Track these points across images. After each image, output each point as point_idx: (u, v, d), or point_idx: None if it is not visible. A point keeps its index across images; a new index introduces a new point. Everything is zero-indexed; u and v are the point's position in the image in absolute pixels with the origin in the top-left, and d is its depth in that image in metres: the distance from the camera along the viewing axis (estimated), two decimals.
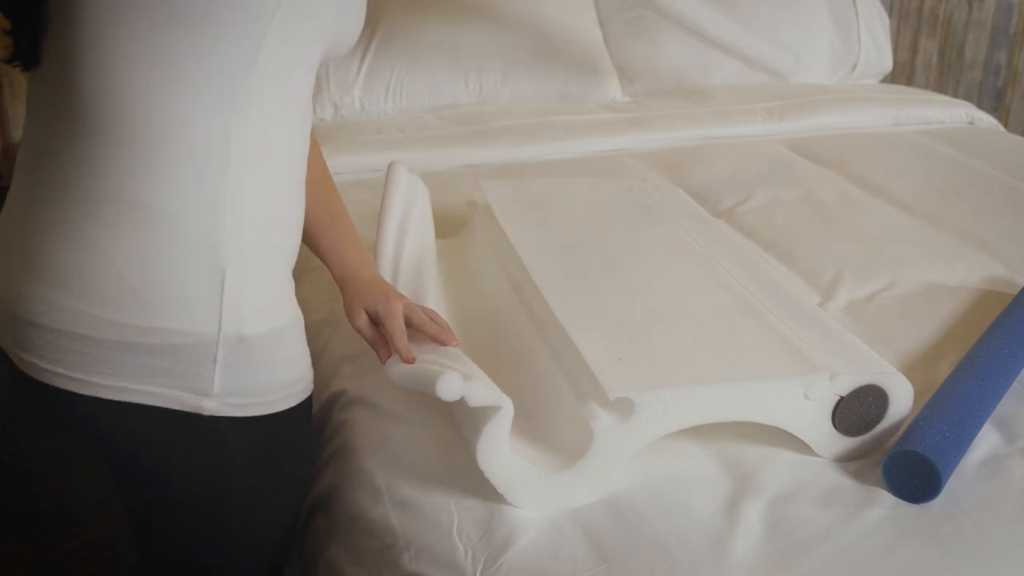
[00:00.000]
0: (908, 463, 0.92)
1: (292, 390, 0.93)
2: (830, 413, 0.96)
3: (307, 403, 0.98)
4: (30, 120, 0.87)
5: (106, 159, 0.81)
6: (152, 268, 0.82)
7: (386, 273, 1.15)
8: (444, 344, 1.01)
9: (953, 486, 0.95)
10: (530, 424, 0.97)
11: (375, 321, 1.05)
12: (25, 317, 0.84)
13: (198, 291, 0.83)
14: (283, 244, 0.92)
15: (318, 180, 1.06)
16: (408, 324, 1.02)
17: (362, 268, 1.09)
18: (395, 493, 0.95)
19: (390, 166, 1.29)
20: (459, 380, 0.86)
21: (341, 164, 1.84)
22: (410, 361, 0.98)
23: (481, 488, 0.93)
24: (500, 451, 0.88)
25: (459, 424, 0.95)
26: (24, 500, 1.98)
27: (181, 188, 0.82)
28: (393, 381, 0.97)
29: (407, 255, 1.20)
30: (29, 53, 0.84)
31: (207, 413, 0.87)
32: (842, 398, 0.96)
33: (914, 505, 0.92)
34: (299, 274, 1.44)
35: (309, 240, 1.09)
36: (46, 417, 0.90)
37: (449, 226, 1.47)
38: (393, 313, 1.02)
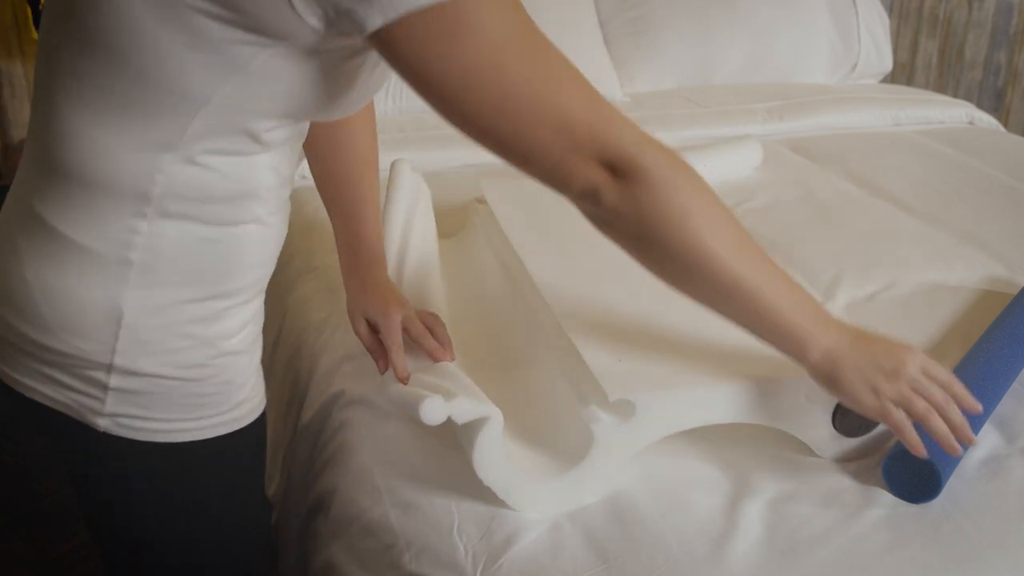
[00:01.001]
0: (908, 464, 0.92)
1: (210, 422, 0.89)
2: (830, 414, 0.96)
3: (240, 435, 0.92)
4: None
5: (36, 179, 0.82)
6: (53, 291, 0.81)
7: (391, 273, 1.15)
8: (437, 360, 1.00)
9: (953, 486, 0.95)
10: (530, 426, 0.97)
11: (375, 329, 1.05)
12: None
13: (93, 325, 0.81)
14: (209, 288, 0.85)
15: (361, 162, 1.06)
16: (406, 335, 1.02)
17: (369, 270, 1.08)
18: (395, 493, 0.95)
19: (394, 164, 1.29)
20: (440, 403, 0.85)
21: None
22: (404, 378, 0.97)
23: (481, 488, 0.93)
24: (496, 459, 0.88)
25: (457, 435, 0.95)
26: (24, 498, 1.98)
27: (93, 227, 0.79)
28: (389, 405, 0.97)
29: (412, 254, 1.20)
30: None
31: (100, 430, 0.85)
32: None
33: (914, 505, 0.92)
34: (298, 275, 1.45)
35: (333, 223, 1.10)
36: (24, 418, 0.90)
37: (449, 226, 1.47)
38: (392, 327, 1.01)
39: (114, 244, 0.80)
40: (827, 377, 0.87)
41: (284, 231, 0.92)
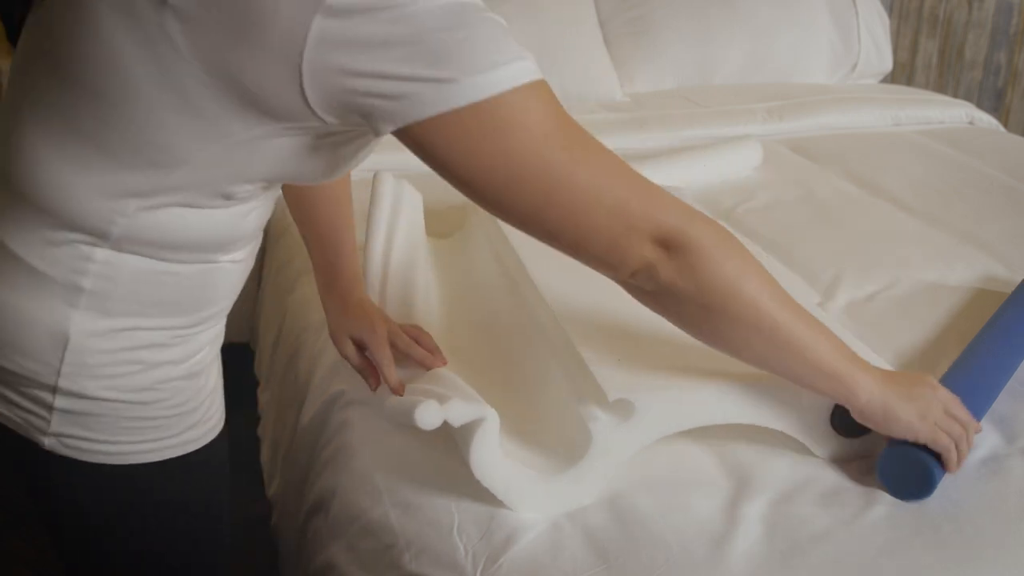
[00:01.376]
0: (903, 461, 0.92)
1: (157, 445, 0.87)
2: (828, 414, 0.96)
3: (191, 457, 0.91)
4: None
5: (2, 197, 0.80)
6: (2, 310, 0.80)
7: (373, 288, 1.15)
8: (429, 368, 1.00)
9: (953, 486, 0.95)
10: (529, 426, 0.97)
11: (361, 347, 1.04)
12: None
13: (39, 346, 0.80)
14: (162, 319, 0.83)
15: (332, 200, 1.06)
16: (393, 349, 1.02)
17: (350, 291, 1.07)
18: (395, 493, 0.95)
19: (375, 177, 1.29)
20: (434, 407, 0.85)
21: None
22: (399, 390, 0.97)
23: (481, 489, 0.93)
24: (493, 459, 0.88)
25: (454, 438, 0.95)
26: (25, 498, 1.97)
27: (46, 250, 0.77)
28: (386, 419, 0.97)
29: (394, 264, 1.20)
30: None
31: (45, 448, 0.84)
32: None
33: (914, 505, 0.92)
34: (298, 275, 1.45)
35: (308, 248, 1.09)
36: None
37: (448, 226, 1.47)
38: (379, 341, 1.01)
39: (65, 270, 0.78)
40: (883, 412, 0.89)
41: (251, 264, 0.90)
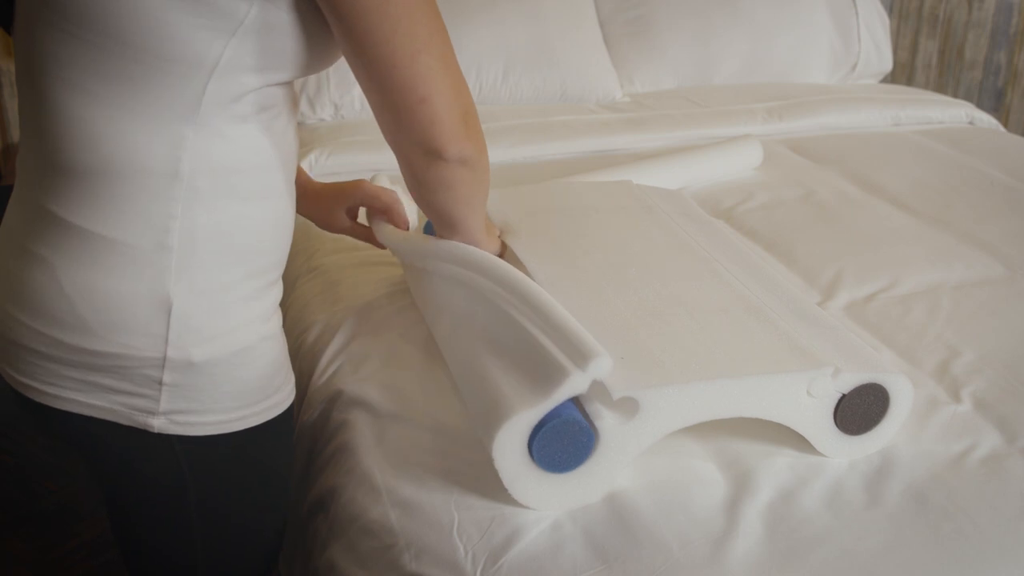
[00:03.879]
0: (553, 436, 0.88)
1: (254, 409, 0.90)
2: (832, 410, 0.96)
3: (279, 420, 0.95)
4: None
5: (47, 181, 0.81)
6: (96, 294, 0.80)
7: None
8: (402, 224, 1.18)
9: (953, 486, 0.95)
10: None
11: (352, 216, 1.20)
12: (1, 330, 0.86)
13: (143, 320, 0.81)
14: (246, 266, 0.86)
15: None
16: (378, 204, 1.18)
17: (307, 184, 1.18)
18: (395, 493, 0.95)
19: (374, 178, 1.30)
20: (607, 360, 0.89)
21: (341, 164, 1.84)
22: (405, 223, 1.18)
23: (482, 488, 0.93)
24: (518, 447, 0.88)
25: (471, 413, 0.94)
26: (24, 498, 1.98)
27: (126, 219, 0.79)
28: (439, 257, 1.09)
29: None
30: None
31: (154, 431, 0.86)
32: (844, 395, 0.96)
33: (914, 505, 0.92)
34: (298, 274, 1.45)
35: None
36: (35, 425, 0.91)
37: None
38: (370, 191, 1.18)
39: (151, 233, 0.80)
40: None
41: (295, 207, 0.95)
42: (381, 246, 1.22)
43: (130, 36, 0.74)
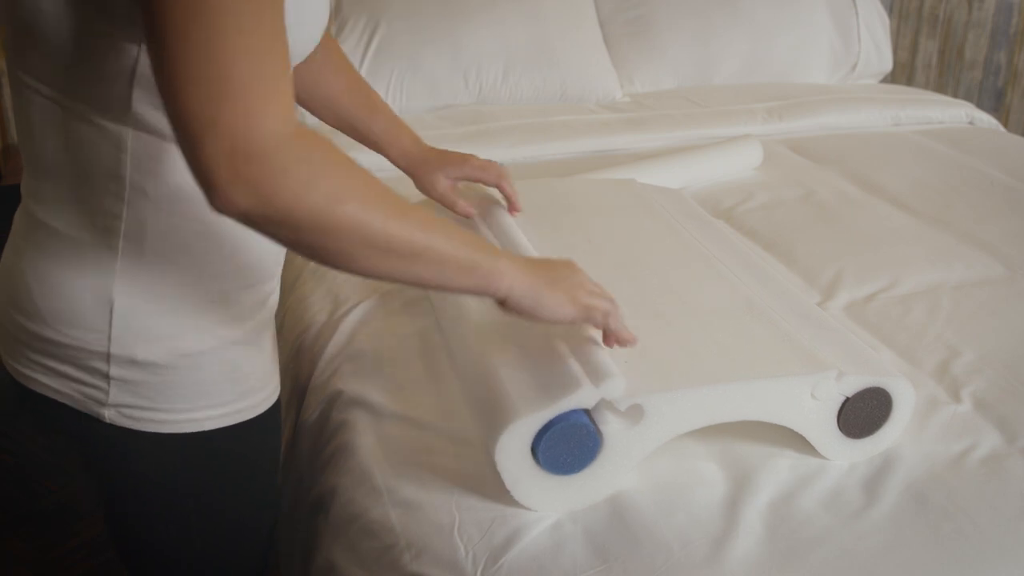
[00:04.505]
0: (560, 438, 0.88)
1: (219, 412, 0.89)
2: (835, 413, 0.96)
3: (256, 421, 0.93)
4: None
5: (27, 177, 0.85)
6: (47, 283, 0.82)
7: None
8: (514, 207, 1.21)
9: (953, 486, 0.95)
10: None
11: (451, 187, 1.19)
12: (2, 320, 0.89)
13: (87, 314, 0.82)
14: (201, 271, 0.84)
15: (346, 76, 1.11)
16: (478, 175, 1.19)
17: (418, 147, 1.17)
18: (395, 493, 0.95)
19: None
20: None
21: None
22: (517, 208, 1.22)
23: (482, 488, 0.93)
24: (521, 450, 0.88)
25: (474, 414, 0.94)
26: (24, 498, 1.98)
27: (77, 217, 0.81)
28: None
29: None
30: None
31: (105, 420, 0.86)
32: (848, 399, 0.96)
33: (914, 505, 0.92)
34: (298, 274, 1.45)
35: (357, 135, 1.15)
36: (25, 412, 0.92)
37: None
38: (485, 165, 1.18)
39: (97, 232, 0.81)
40: (531, 297, 0.84)
41: None
42: (464, 214, 1.23)
43: (54, 43, 0.75)
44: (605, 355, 0.91)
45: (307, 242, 0.71)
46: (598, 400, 0.88)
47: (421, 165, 1.18)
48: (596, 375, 0.88)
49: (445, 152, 1.18)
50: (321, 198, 0.68)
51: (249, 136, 0.65)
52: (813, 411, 0.96)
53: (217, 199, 0.66)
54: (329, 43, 1.10)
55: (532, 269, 0.85)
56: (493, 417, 0.89)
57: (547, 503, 0.90)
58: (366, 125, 1.15)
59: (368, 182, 0.73)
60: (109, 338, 0.83)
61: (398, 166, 1.18)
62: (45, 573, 1.79)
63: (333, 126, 1.16)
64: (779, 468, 0.97)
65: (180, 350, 0.85)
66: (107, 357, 0.83)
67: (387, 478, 0.98)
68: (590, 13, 2.39)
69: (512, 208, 1.23)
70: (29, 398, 0.88)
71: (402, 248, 0.74)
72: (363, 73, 2.12)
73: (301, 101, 1.11)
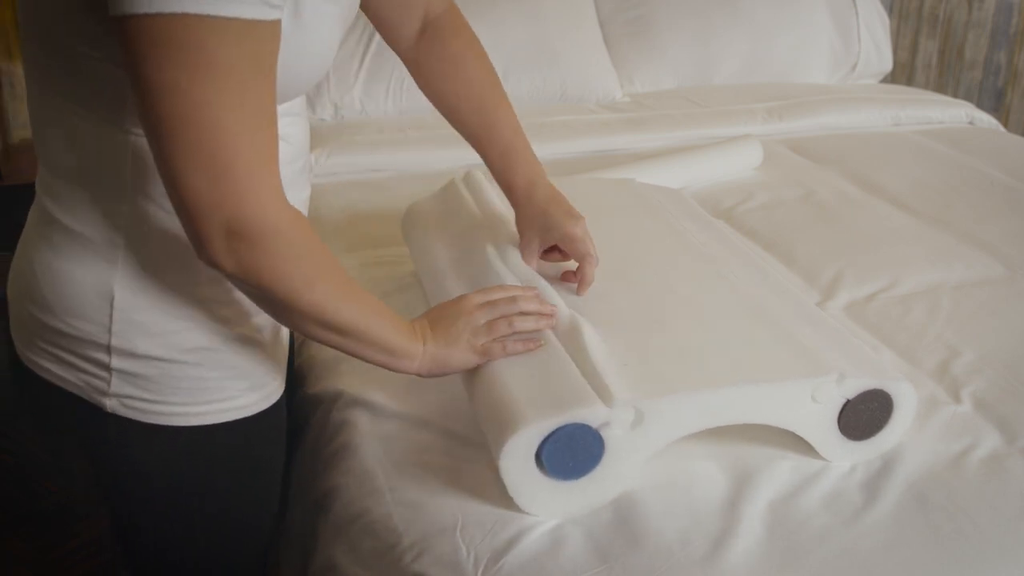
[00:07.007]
0: (563, 444, 0.88)
1: (220, 407, 0.90)
2: (836, 416, 0.96)
3: (259, 418, 0.94)
4: None
5: (41, 172, 0.87)
6: (52, 274, 0.85)
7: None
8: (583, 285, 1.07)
9: (953, 486, 0.95)
10: None
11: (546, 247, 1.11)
12: (15, 310, 0.92)
13: (89, 306, 0.84)
14: (203, 270, 0.83)
15: (463, 82, 1.09)
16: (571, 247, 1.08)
17: (526, 192, 1.09)
18: (397, 493, 0.95)
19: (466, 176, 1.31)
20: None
21: (341, 164, 1.84)
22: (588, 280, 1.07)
23: (484, 488, 0.93)
24: (526, 460, 0.87)
25: (479, 417, 0.94)
26: (24, 498, 1.98)
27: (84, 214, 0.83)
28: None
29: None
30: None
31: (107, 410, 0.88)
32: (849, 401, 0.96)
33: (914, 505, 0.92)
34: None
35: (480, 155, 1.12)
36: (32, 402, 0.93)
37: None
38: (576, 238, 1.06)
39: (102, 229, 0.83)
40: (440, 368, 0.93)
41: None
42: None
43: (60, 53, 0.77)
44: (612, 371, 0.92)
45: (270, 308, 0.83)
46: (606, 419, 0.88)
47: (521, 208, 1.11)
48: (608, 395, 0.88)
49: (547, 209, 1.08)
50: (297, 282, 0.78)
51: (241, 217, 0.72)
52: (814, 413, 0.96)
53: (205, 257, 0.75)
54: (451, 35, 1.09)
55: (435, 336, 0.92)
56: (500, 421, 0.89)
57: (549, 508, 0.90)
58: (483, 149, 1.11)
59: (333, 268, 0.83)
60: (110, 331, 0.85)
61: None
62: (45, 573, 1.79)
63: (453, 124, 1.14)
64: (779, 468, 0.97)
65: (181, 345, 0.87)
66: (108, 349, 0.85)
67: (389, 478, 0.98)
68: (590, 13, 2.39)
69: (578, 290, 1.09)
70: (37, 387, 0.90)
71: (345, 328, 0.84)
72: (363, 73, 2.12)
73: (430, 97, 1.13)
